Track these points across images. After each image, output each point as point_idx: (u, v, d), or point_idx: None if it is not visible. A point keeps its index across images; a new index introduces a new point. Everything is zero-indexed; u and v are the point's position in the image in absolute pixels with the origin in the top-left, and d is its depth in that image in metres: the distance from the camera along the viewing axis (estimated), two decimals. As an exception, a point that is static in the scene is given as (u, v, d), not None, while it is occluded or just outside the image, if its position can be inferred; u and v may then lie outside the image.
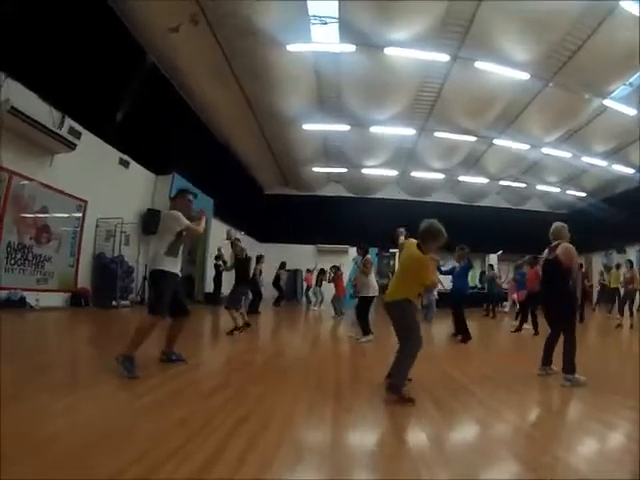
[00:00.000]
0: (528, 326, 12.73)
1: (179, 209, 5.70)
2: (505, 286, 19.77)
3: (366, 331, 9.30)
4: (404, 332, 4.80)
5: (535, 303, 11.71)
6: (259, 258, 15.39)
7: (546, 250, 6.18)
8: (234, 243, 10.18)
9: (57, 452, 2.73)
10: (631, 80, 17.84)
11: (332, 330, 12.47)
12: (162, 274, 5.42)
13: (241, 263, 10.15)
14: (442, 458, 3.03)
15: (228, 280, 20.00)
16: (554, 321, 6.04)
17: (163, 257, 5.45)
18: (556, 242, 6.02)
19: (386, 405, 4.26)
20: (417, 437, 3.51)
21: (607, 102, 19.19)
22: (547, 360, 6.01)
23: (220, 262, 19.07)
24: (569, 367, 5.40)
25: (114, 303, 13.46)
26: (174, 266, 5.53)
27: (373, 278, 9.80)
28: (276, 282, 20.64)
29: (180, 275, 5.74)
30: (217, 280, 19.53)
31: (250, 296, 14.14)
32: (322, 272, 20.34)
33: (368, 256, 10.06)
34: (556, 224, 6.21)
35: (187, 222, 5.54)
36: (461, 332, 9.79)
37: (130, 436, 3.09)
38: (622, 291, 14.24)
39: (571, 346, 5.51)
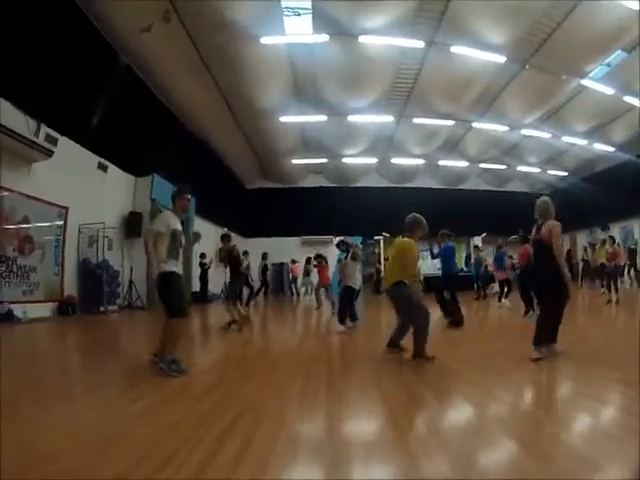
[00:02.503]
0: (509, 304, 12.87)
1: (178, 209, 5.85)
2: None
3: (342, 319, 9.44)
4: (403, 313, 6.00)
5: (527, 281, 11.69)
6: (244, 253, 15.37)
7: (534, 229, 6.09)
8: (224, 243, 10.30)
9: (55, 462, 2.72)
10: (609, 60, 17.96)
11: (317, 322, 12.50)
12: (168, 276, 5.44)
13: (233, 258, 10.20)
14: (438, 442, 3.05)
15: (214, 278, 20.03)
16: (543, 300, 6.14)
17: (167, 259, 5.49)
18: (542, 221, 5.92)
19: (378, 392, 4.35)
20: (412, 422, 3.55)
21: (585, 82, 19.33)
22: (539, 339, 5.76)
23: (205, 261, 19.04)
24: (539, 339, 5.62)
25: (102, 309, 13.34)
26: (178, 268, 5.63)
27: (359, 271, 9.85)
28: (264, 274, 20.59)
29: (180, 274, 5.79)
30: (203, 278, 19.45)
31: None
32: (308, 261, 20.37)
33: (354, 247, 10.07)
34: (540, 201, 6.07)
35: (155, 229, 5.54)
36: (450, 315, 9.72)
37: (126, 443, 3.08)
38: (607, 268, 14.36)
39: (554, 322, 5.76)
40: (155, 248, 5.42)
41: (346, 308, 9.69)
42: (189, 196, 5.94)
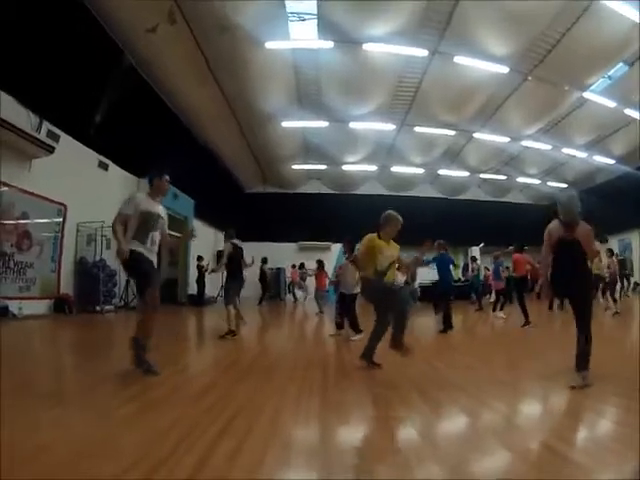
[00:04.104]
0: (503, 315, 12.86)
1: (156, 193, 5.61)
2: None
3: (340, 325, 9.52)
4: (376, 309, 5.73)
5: (523, 288, 11.91)
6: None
7: (556, 225, 5.18)
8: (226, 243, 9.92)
9: (47, 464, 2.67)
10: (610, 73, 18.07)
11: (317, 327, 12.44)
12: (135, 254, 5.12)
13: (231, 258, 9.79)
14: (432, 450, 3.01)
15: (212, 281, 19.99)
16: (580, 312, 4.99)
17: (131, 240, 5.16)
18: (571, 220, 5.08)
19: (373, 399, 4.29)
20: (406, 430, 3.51)
21: (587, 95, 19.42)
22: (585, 362, 4.76)
23: (203, 263, 19.00)
24: (582, 363, 4.64)
25: (98, 308, 13.28)
26: (146, 251, 5.24)
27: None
28: (262, 279, 20.54)
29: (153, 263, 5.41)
30: (200, 282, 19.41)
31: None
32: (302, 267, 20.41)
33: (356, 253, 9.98)
34: (567, 197, 5.26)
35: (126, 210, 5.17)
36: (444, 322, 10.08)
37: (120, 444, 3.04)
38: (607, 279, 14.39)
39: (587, 338, 4.73)
40: (122, 231, 5.12)
41: (344, 315, 9.60)
42: (168, 177, 5.67)
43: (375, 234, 5.75)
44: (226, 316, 8.93)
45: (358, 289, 9.55)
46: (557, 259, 5.21)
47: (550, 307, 15.11)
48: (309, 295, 20.79)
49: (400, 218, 5.81)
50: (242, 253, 9.84)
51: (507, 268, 14.60)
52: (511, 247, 12.78)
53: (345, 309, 9.57)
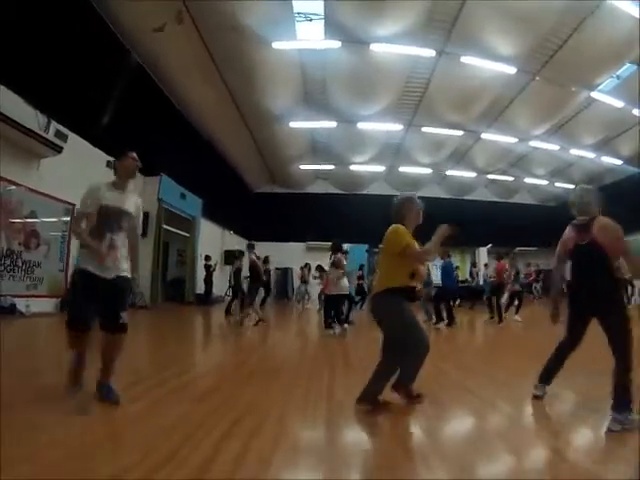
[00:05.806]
0: (519, 318, 12.79)
1: (122, 178, 4.25)
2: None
3: (329, 326, 9.91)
4: (397, 334, 4.02)
5: (499, 294, 13.14)
6: (239, 254, 15.34)
7: (569, 231, 4.18)
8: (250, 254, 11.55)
9: (52, 460, 2.68)
10: (618, 73, 17.99)
11: (320, 326, 12.44)
12: (73, 274, 4.18)
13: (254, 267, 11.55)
14: (438, 453, 3.01)
15: (219, 281, 20.04)
16: (580, 328, 4.12)
17: (80, 251, 4.02)
18: (584, 218, 4.05)
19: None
20: (412, 433, 3.52)
21: (595, 94, 19.34)
22: (549, 376, 4.28)
23: (210, 263, 19.02)
24: (621, 401, 3.45)
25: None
26: (93, 267, 3.86)
27: (344, 278, 10.01)
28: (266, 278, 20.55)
29: (109, 278, 3.92)
30: (208, 281, 19.41)
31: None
32: (306, 267, 20.44)
33: (339, 254, 10.15)
34: (580, 190, 4.24)
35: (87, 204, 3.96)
36: (448, 319, 11.41)
37: (124, 443, 3.06)
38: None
39: (625, 370, 3.55)
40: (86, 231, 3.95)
41: (328, 316, 10.14)
42: (134, 154, 4.36)
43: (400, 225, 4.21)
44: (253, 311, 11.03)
45: (343, 290, 9.87)
46: (575, 269, 4.14)
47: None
48: (308, 299, 20.92)
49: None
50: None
51: (517, 272, 14.41)
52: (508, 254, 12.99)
53: (334, 309, 9.93)
